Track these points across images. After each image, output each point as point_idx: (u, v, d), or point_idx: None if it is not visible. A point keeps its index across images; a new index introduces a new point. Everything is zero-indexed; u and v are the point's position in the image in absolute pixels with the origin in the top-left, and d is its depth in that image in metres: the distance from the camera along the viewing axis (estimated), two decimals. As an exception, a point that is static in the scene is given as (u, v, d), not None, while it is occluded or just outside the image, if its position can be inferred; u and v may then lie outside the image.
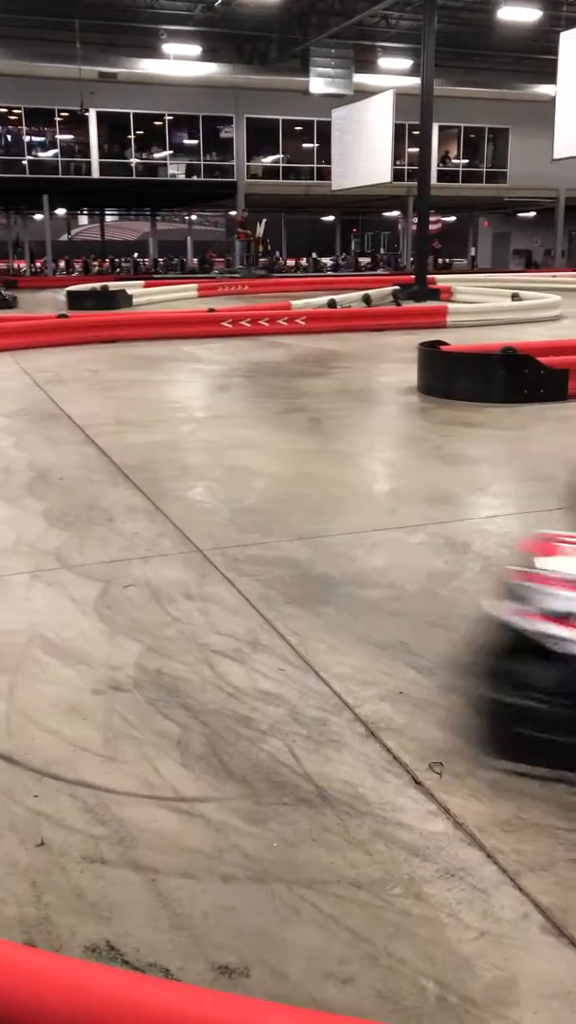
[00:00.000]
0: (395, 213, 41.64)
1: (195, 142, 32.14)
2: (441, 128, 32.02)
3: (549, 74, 24.09)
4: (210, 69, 28.71)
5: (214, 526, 4.55)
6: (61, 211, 41.36)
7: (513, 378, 7.87)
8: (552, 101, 22.12)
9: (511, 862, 2.03)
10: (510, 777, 2.36)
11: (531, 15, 24.93)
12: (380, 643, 3.16)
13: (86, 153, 30.55)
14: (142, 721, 2.66)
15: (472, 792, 2.30)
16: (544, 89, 28.40)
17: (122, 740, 2.56)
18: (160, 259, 40.60)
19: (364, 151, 26.80)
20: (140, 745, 2.53)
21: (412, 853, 2.07)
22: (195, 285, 23.78)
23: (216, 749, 2.51)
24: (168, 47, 27.28)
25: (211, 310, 14.97)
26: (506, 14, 24.84)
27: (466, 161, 35.63)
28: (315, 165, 33.18)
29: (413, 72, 26.56)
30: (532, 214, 41.16)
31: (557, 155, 20.85)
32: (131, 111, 30.68)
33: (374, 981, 1.71)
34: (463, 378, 8.19)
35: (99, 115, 30.13)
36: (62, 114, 30.01)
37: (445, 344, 8.73)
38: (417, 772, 2.38)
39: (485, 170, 35.66)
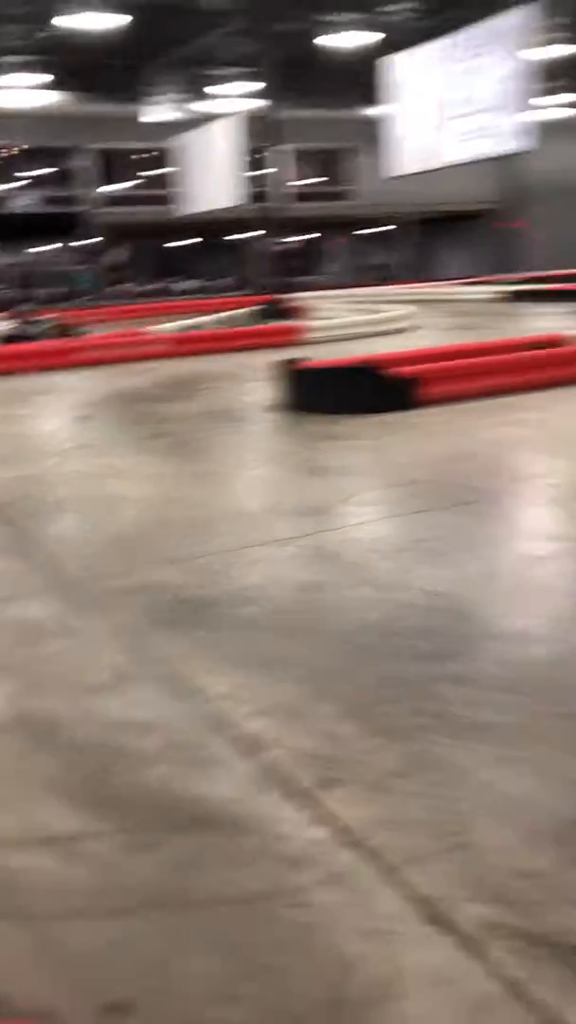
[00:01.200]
0: (249, 234, 42.16)
1: (41, 172, 31.67)
2: (291, 150, 32.67)
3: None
4: (51, 98, 28.41)
5: (85, 557, 4.49)
6: None
7: (369, 389, 8.08)
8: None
9: (391, 859, 2.08)
10: (387, 778, 2.42)
11: (362, 39, 25.81)
12: (256, 659, 3.19)
13: None
14: (19, 761, 2.59)
15: (351, 796, 2.35)
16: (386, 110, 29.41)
17: (-3, 785, 2.49)
18: (11, 291, 39.68)
19: (212, 175, 27.05)
20: (18, 786, 2.47)
21: (296, 863, 2.09)
22: (55, 315, 23.35)
23: (96, 783, 2.47)
24: (4, 78, 26.83)
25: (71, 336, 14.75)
26: (337, 40, 25.62)
27: (317, 181, 36.42)
28: (165, 191, 33.25)
29: (256, 96, 27.06)
30: (383, 229, 42.47)
31: (393, 174, 21.54)
32: (-28, 143, 29.99)
33: (264, 995, 1.72)
34: (323, 392, 8.35)
35: None
36: None
37: (305, 360, 8.89)
38: (298, 782, 2.41)
39: (336, 189, 36.53)
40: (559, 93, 32.59)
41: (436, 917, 1.89)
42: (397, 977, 1.74)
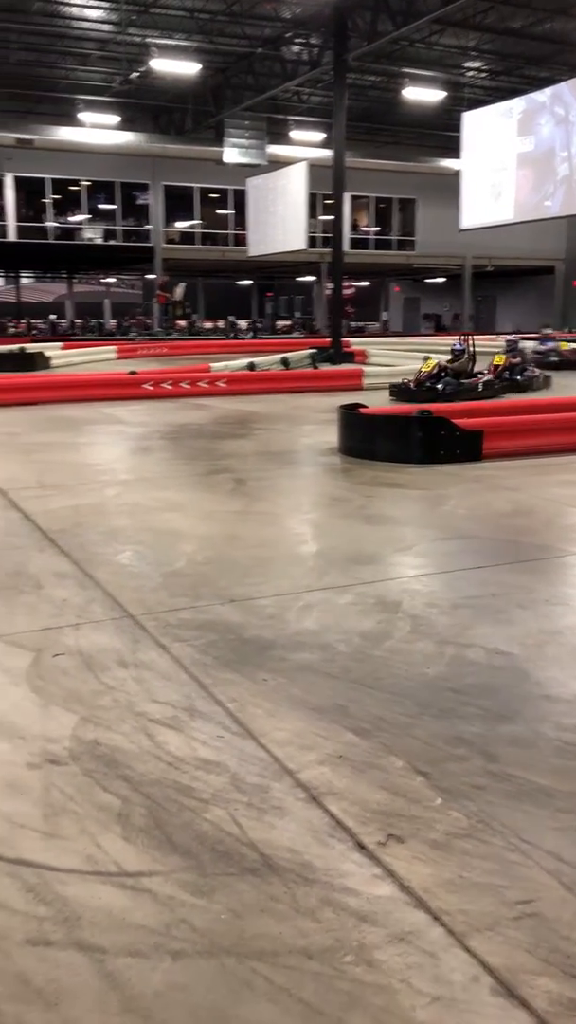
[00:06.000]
0: (310, 278, 42.68)
1: (112, 207, 32.49)
2: (353, 198, 33.15)
3: (452, 149, 25.31)
4: (127, 137, 29.18)
5: (144, 591, 4.53)
6: (-26, 273, 41.14)
7: (430, 439, 8.10)
8: (455, 174, 23.22)
9: (458, 923, 2.05)
10: (451, 838, 2.39)
11: (435, 95, 26.21)
12: (317, 706, 3.18)
13: (1, 216, 30.55)
14: (81, 794, 2.61)
15: (415, 854, 2.32)
16: (448, 163, 29.72)
17: (62, 815, 2.51)
18: (78, 320, 40.57)
19: (279, 219, 27.50)
20: (80, 820, 2.49)
21: (361, 919, 2.07)
22: (114, 347, 23.82)
23: (158, 821, 2.48)
24: (85, 115, 27.67)
25: (132, 372, 15.01)
26: (411, 93, 26.05)
27: (377, 229, 36.89)
28: (231, 231, 33.89)
29: (325, 144, 27.49)
30: (441, 280, 42.73)
31: (463, 226, 21.81)
32: (48, 176, 30.90)
33: (330, 1053, 1.70)
34: (383, 439, 8.39)
35: (16, 180, 30.26)
36: (-23, 178, 30.04)
37: (364, 406, 8.95)
38: (361, 836, 2.40)
39: (395, 238, 36.95)
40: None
41: (507, 989, 1.85)
42: (466, 1047, 1.71)
